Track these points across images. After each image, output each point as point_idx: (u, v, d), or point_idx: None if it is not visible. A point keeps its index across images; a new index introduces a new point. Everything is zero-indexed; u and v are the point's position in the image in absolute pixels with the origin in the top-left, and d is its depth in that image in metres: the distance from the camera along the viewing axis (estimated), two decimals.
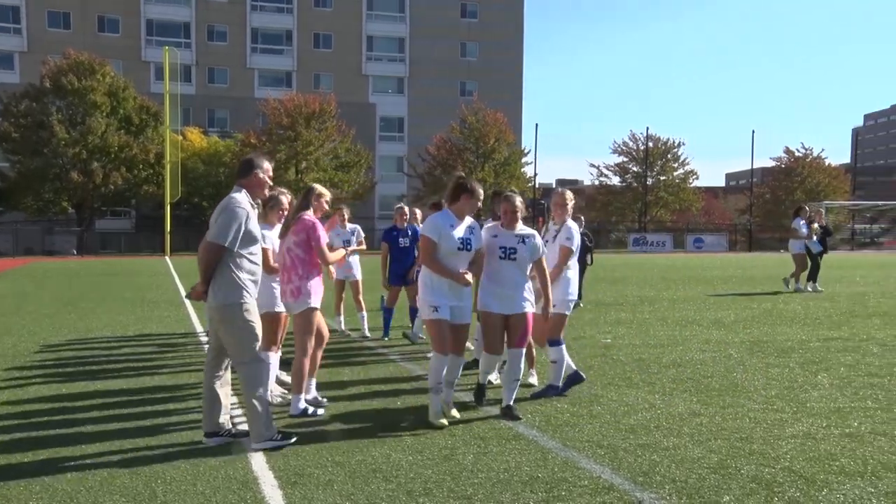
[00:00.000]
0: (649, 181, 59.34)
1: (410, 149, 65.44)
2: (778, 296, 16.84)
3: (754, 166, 61.64)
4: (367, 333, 11.05)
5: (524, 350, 6.33)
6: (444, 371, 6.04)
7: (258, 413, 5.38)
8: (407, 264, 10.56)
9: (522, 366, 6.37)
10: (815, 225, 18.28)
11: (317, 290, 6.39)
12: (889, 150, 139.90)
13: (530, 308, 6.25)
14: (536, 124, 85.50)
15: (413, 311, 10.82)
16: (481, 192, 6.07)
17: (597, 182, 63.37)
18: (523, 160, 56.25)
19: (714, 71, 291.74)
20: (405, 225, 10.79)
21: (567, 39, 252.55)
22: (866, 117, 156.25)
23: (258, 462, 5.10)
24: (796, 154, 62.11)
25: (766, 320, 12.51)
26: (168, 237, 44.18)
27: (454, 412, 6.20)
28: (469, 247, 6.04)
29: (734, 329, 11.51)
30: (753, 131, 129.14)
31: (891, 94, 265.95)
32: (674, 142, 60.07)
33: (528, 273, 6.27)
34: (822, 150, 79.62)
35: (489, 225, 6.41)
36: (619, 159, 61.20)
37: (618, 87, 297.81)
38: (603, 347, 9.78)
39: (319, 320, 6.53)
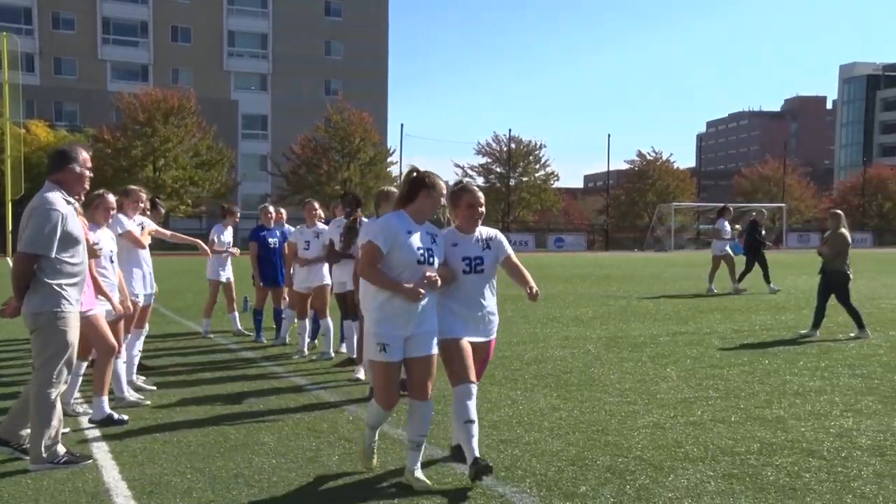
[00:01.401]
0: (512, 182, 60.80)
1: (274, 147, 64.16)
2: (631, 293, 17.64)
3: (610, 168, 64.38)
4: (241, 330, 10.95)
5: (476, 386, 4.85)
6: (394, 423, 4.82)
7: (36, 433, 4.87)
8: (277, 265, 10.37)
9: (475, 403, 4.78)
10: (738, 226, 18.32)
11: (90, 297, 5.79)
12: (728, 156, 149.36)
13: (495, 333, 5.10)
14: (402, 124, 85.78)
15: (277, 314, 10.63)
16: (444, 187, 4.82)
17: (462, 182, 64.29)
18: (388, 160, 56.34)
19: (573, 74, 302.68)
20: (273, 225, 10.58)
21: (432, 42, 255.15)
22: (708, 124, 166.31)
23: (111, 472, 4.86)
24: (648, 157, 65.29)
25: (621, 316, 13.09)
26: (9, 237, 41.35)
27: (419, 474, 4.63)
28: (431, 259, 4.68)
29: (592, 325, 11.97)
30: (609, 135, 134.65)
31: (730, 103, 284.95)
32: (535, 144, 61.85)
33: (495, 284, 5.04)
34: (671, 154, 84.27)
35: (443, 232, 4.96)
36: (483, 160, 62.40)
37: (481, 89, 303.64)
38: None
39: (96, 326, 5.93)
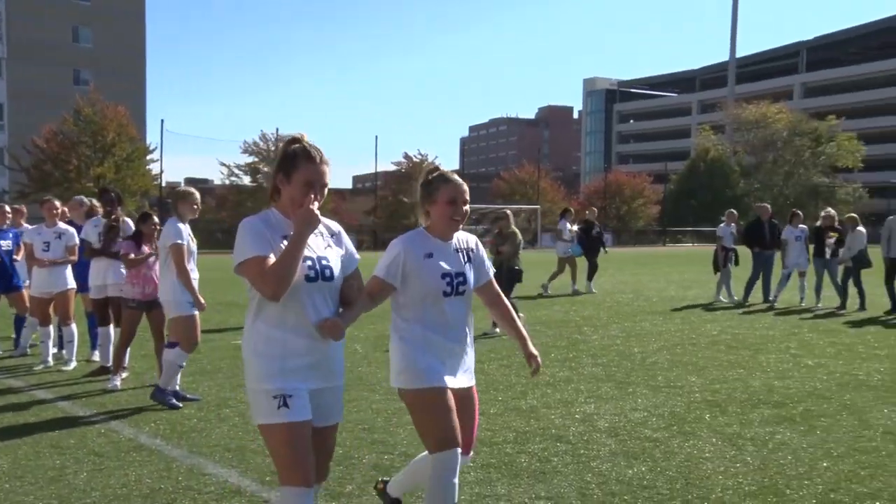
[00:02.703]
0: None
1: (12, 139, 58.21)
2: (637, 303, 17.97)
3: (378, 170, 65.38)
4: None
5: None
6: None
7: None
8: (8, 269, 9.39)
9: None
10: (576, 227, 18.00)
11: None
12: (489, 159, 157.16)
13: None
14: (162, 120, 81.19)
15: (19, 322, 9.66)
16: (466, 189, 3.63)
17: (227, 182, 62.29)
18: (149, 157, 53.20)
19: (342, 76, 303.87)
20: (5, 226, 9.58)
21: (196, 35, 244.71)
22: (471, 129, 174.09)
23: None
24: (414, 159, 67.04)
25: (388, 316, 13.30)
26: None
27: None
28: (462, 286, 3.59)
29: (360, 325, 12.07)
30: (377, 136, 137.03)
31: (490, 109, 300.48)
32: None
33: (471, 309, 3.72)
34: (437, 156, 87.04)
35: (406, 235, 3.67)
36: (250, 159, 60.83)
37: (249, 87, 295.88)
38: (234, 348, 9.64)
39: None
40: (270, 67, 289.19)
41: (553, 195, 69.24)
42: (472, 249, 3.72)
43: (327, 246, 3.24)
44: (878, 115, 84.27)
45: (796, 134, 66.49)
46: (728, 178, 62.59)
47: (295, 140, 3.19)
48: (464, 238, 3.70)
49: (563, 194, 72.05)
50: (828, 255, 14.60)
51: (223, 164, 60.88)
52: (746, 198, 58.23)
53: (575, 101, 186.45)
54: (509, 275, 10.98)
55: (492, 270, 3.83)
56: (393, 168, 68.81)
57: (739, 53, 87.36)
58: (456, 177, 3.65)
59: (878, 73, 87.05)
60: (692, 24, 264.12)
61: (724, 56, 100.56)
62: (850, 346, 10.00)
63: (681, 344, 10.07)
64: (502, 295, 3.89)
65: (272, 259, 3.01)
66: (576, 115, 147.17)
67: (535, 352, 3.85)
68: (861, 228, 14.40)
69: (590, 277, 17.58)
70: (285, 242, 3.07)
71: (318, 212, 3.08)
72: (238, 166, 61.25)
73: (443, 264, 3.56)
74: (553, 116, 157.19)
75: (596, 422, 6.12)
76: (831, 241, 14.54)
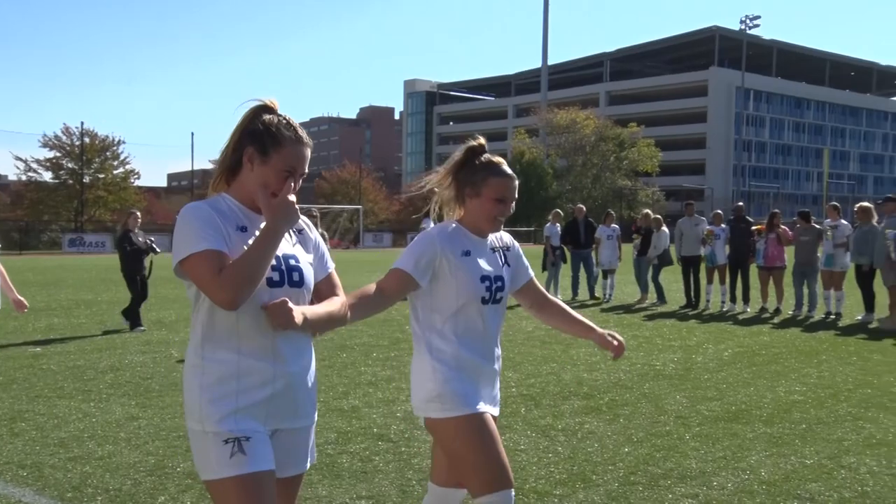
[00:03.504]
0: (86, 179, 56.10)
1: None
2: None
3: (195, 167, 62.92)
4: None
5: None
6: None
7: None
8: None
9: None
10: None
11: None
12: (311, 159, 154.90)
13: None
14: None
15: None
16: (517, 184, 3.05)
17: (24, 178, 57.57)
18: None
19: (160, 73, 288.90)
20: None
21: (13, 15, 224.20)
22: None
23: None
24: None
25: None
26: None
27: None
28: (501, 293, 3.05)
29: (175, 328, 11.59)
30: (193, 133, 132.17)
31: (311, 108, 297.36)
32: (113, 139, 57.85)
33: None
34: None
35: (440, 228, 3.06)
36: (51, 154, 56.59)
37: (51, 76, 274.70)
38: (31, 357, 8.96)
39: None
40: (80, 61, 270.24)
41: (375, 195, 69.59)
42: (507, 248, 3.14)
43: (295, 243, 2.53)
44: (671, 125, 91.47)
45: (602, 139, 70.72)
46: (542, 180, 65.55)
47: (267, 108, 2.48)
48: (498, 235, 3.13)
49: (385, 194, 72.56)
50: (634, 254, 15.85)
51: (18, 159, 56.21)
52: (559, 199, 61.20)
53: (396, 101, 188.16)
54: None
55: (530, 269, 3.25)
56: (210, 166, 66.48)
57: (551, 61, 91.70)
58: (508, 168, 3.02)
59: (669, 85, 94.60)
60: (508, 31, 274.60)
61: (537, 63, 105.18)
62: (649, 338, 10.79)
63: None
64: (548, 294, 3.34)
65: (228, 256, 2.30)
66: (397, 116, 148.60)
67: (612, 333, 3.20)
68: (665, 229, 15.64)
69: None
70: (244, 237, 2.38)
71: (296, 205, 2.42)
72: (37, 160, 56.82)
73: (483, 264, 2.99)
74: (375, 117, 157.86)
75: (417, 420, 6.22)
76: (637, 241, 15.76)
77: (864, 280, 12.79)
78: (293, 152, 2.43)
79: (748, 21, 79.21)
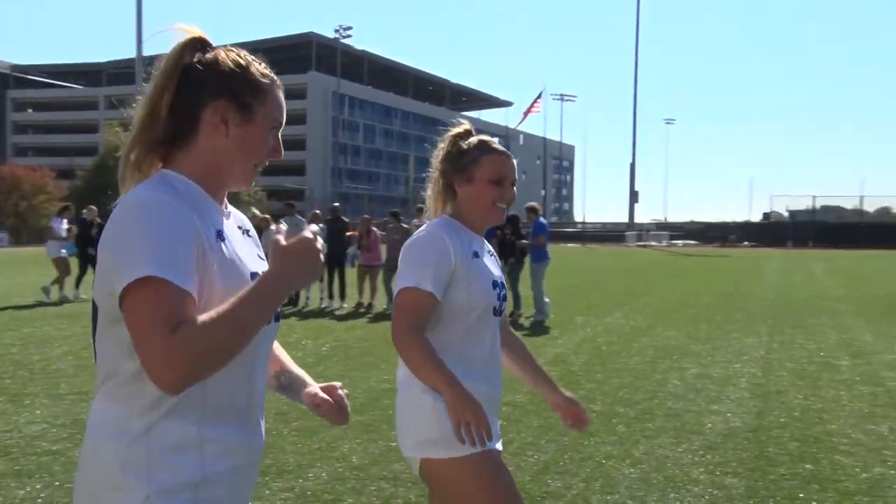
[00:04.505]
0: None
1: None
2: (37, 308, 13.47)
3: None
4: None
5: None
6: None
7: None
8: None
9: None
10: (73, 226, 16.06)
11: None
12: None
13: None
14: None
15: None
16: (514, 163, 2.54)
17: None
18: None
19: None
20: None
21: None
22: None
23: None
24: None
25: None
26: None
27: None
28: (503, 304, 2.52)
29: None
30: None
31: None
32: None
33: None
34: None
35: (442, 225, 2.45)
36: None
37: None
38: None
39: None
40: None
41: None
42: (492, 253, 2.61)
43: (259, 257, 1.75)
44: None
45: None
46: None
47: (202, 42, 1.70)
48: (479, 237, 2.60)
49: None
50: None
51: None
52: None
53: None
54: None
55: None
56: None
57: (149, 52, 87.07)
58: (500, 146, 2.54)
59: None
60: (100, 15, 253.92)
61: (132, 52, 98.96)
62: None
63: (87, 347, 9.63)
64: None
65: (193, 300, 1.41)
66: None
67: (574, 399, 2.74)
68: (273, 227, 15.79)
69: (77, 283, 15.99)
70: (224, 250, 1.55)
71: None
72: None
73: (490, 267, 2.50)
74: None
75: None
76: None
77: None
78: (277, 100, 1.70)
79: (342, 31, 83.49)
